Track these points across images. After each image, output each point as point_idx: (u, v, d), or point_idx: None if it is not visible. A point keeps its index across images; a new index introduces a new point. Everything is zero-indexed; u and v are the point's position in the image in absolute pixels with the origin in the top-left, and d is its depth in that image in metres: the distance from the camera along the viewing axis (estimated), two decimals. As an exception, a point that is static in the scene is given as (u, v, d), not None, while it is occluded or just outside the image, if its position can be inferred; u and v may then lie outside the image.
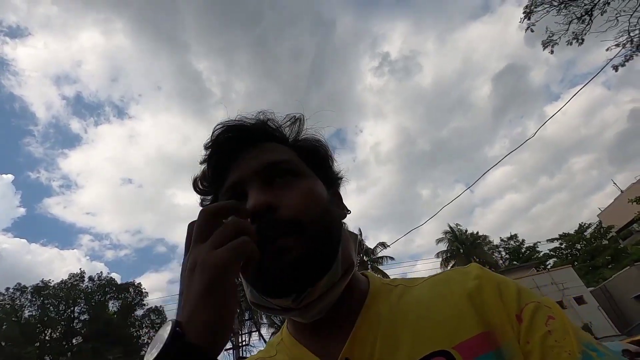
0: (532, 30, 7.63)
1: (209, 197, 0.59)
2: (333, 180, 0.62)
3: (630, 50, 7.20)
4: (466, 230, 27.03)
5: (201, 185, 0.59)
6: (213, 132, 0.56)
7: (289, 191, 0.51)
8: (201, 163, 0.58)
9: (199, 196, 0.60)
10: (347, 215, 0.60)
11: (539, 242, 31.34)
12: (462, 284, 0.51)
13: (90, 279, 26.84)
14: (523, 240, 31.48)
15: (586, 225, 29.50)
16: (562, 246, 30.28)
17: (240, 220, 0.42)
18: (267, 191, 0.50)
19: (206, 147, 0.57)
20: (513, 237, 32.01)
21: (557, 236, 30.55)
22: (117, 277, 29.41)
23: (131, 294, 27.42)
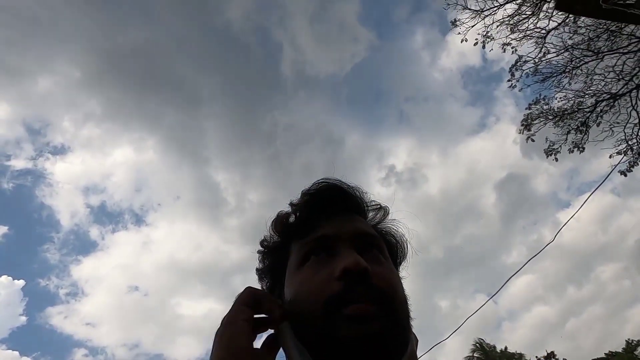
0: (532, 140, 8.14)
1: (277, 241, 0.58)
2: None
3: (633, 157, 7.49)
4: (494, 347, 24.16)
5: (281, 225, 0.57)
6: (315, 183, 0.57)
7: (379, 265, 0.49)
8: (291, 205, 0.57)
9: (271, 233, 0.59)
10: None
11: (584, 362, 27.40)
12: None
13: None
14: (565, 360, 27.64)
15: (634, 342, 26.09)
16: (612, 368, 26.27)
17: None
18: (362, 257, 0.48)
19: (304, 194, 0.57)
20: (551, 355, 28.26)
21: (604, 355, 26.82)
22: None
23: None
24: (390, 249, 0.58)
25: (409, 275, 0.61)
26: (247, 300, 0.46)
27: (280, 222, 0.57)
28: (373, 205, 0.60)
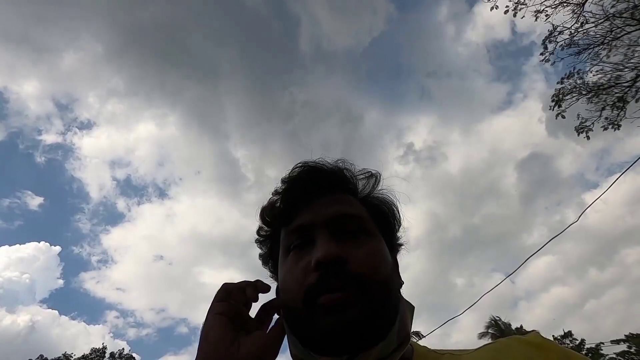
0: (563, 117, 7.76)
1: (268, 230, 0.59)
2: (396, 246, 0.60)
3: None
4: (510, 324, 24.23)
5: (267, 215, 0.58)
6: (293, 169, 0.56)
7: (358, 248, 0.49)
8: (274, 194, 0.58)
9: (260, 224, 0.60)
10: (402, 285, 0.57)
11: (602, 343, 27.22)
12: (521, 352, 0.47)
13: (111, 355, 25.98)
14: (583, 340, 27.51)
15: (657, 325, 25.59)
16: (632, 350, 26.06)
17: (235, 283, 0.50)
18: (338, 243, 0.49)
19: (283, 181, 0.57)
20: (568, 334, 28.14)
21: (624, 337, 26.54)
22: (138, 358, 28.21)
23: (148, 375, 25.92)
24: (382, 219, 0.57)
25: (406, 243, 0.61)
26: (220, 296, 0.49)
27: (265, 212, 0.58)
28: (362, 174, 0.59)
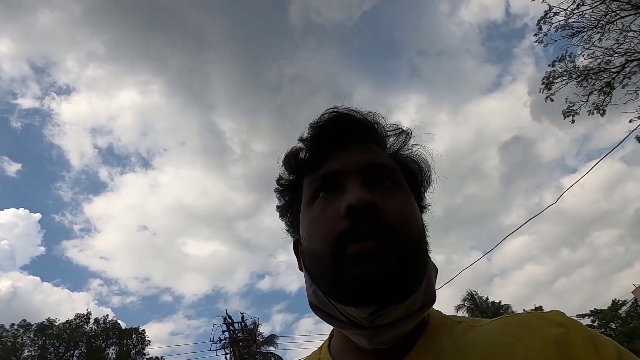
0: (552, 100, 7.84)
1: (289, 179, 0.56)
2: (422, 208, 0.56)
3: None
4: (487, 299, 25.47)
5: (291, 161, 0.55)
6: (322, 115, 0.53)
7: (390, 198, 0.46)
8: (301, 140, 0.54)
9: (283, 172, 0.57)
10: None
11: (568, 317, 28.98)
12: (544, 330, 0.44)
13: (96, 321, 26.28)
14: (550, 314, 29.17)
15: (620, 302, 27.33)
16: (595, 324, 27.86)
17: None
18: (370, 190, 0.46)
19: (312, 127, 0.53)
20: (538, 309, 29.77)
21: (589, 312, 28.29)
22: (122, 325, 28.66)
23: (133, 340, 26.46)
24: (411, 177, 0.55)
25: (434, 203, 0.57)
26: None
27: (289, 158, 0.55)
28: (393, 129, 0.56)
